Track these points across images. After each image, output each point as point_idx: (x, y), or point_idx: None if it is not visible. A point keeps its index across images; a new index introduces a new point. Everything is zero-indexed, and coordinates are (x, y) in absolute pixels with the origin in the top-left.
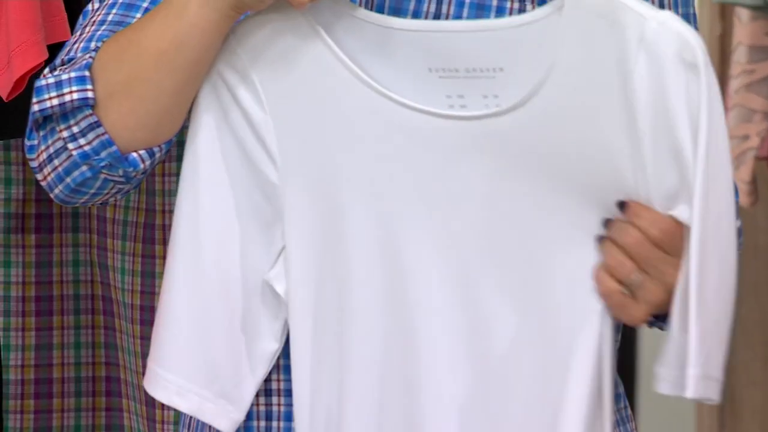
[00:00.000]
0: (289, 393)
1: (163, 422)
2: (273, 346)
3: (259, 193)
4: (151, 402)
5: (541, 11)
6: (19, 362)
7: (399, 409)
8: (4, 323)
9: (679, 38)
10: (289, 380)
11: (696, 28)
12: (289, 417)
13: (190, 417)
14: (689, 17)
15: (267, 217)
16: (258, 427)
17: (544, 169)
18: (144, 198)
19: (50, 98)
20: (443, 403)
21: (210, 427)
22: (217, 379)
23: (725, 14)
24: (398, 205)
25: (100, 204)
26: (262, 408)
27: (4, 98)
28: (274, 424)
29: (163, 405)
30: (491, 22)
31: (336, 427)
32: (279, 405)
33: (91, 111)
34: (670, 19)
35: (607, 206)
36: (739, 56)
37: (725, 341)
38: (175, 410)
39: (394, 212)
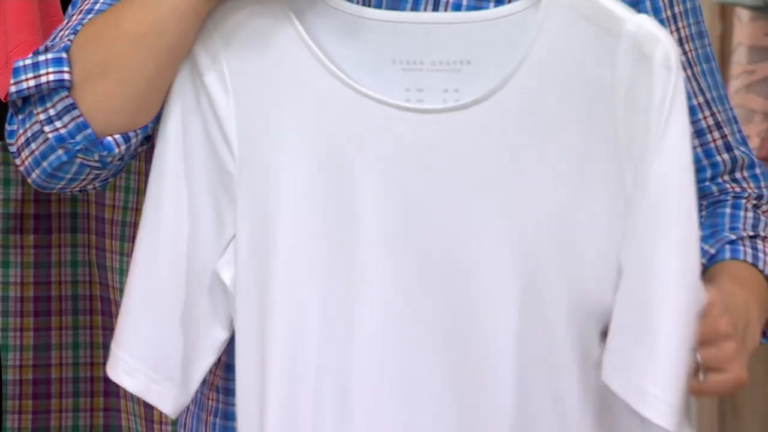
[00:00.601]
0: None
1: (161, 423)
2: (224, 335)
3: (218, 180)
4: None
5: (517, 5)
6: (18, 363)
7: (334, 401)
8: (2, 323)
9: (656, 41)
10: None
11: (702, 20)
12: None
13: (187, 417)
14: (696, 10)
15: (222, 205)
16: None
17: (503, 166)
18: (142, 199)
19: (27, 79)
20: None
21: (206, 427)
22: (165, 361)
23: (725, 14)
24: (348, 194)
25: (78, 191)
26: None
27: (2, 98)
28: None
29: None
30: (465, 15)
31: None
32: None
33: (67, 93)
34: (647, 22)
35: (568, 211)
36: (739, 57)
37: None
38: None
39: (345, 202)
